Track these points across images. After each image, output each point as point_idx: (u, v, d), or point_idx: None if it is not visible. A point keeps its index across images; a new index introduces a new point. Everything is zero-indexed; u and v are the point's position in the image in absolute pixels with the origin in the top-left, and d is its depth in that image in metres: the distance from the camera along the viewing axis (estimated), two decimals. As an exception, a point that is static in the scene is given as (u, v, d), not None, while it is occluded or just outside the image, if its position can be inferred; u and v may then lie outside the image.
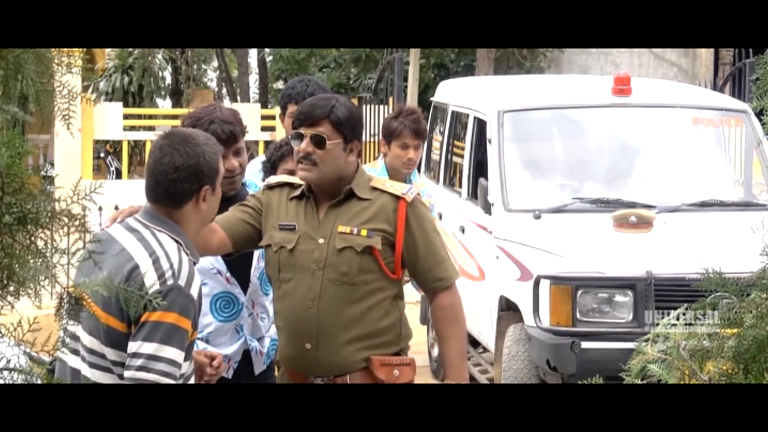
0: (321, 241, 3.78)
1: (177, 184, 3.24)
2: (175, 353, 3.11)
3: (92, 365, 3.20)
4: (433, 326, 3.96)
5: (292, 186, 3.92)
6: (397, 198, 3.82)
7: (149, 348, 3.08)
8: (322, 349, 3.75)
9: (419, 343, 7.80)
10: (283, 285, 3.82)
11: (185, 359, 3.17)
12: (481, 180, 7.10)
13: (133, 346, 3.10)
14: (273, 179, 4.05)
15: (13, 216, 2.32)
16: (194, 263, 3.26)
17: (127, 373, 3.10)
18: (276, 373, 4.14)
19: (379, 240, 3.77)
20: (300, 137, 3.79)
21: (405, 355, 3.88)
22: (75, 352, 3.24)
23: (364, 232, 3.77)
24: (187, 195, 3.26)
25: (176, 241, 3.23)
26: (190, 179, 3.24)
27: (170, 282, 3.12)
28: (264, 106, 17.10)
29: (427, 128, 6.06)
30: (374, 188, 3.85)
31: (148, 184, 3.29)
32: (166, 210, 3.27)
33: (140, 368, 3.08)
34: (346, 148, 3.81)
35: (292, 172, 4.34)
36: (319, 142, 3.76)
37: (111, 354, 3.17)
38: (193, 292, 3.17)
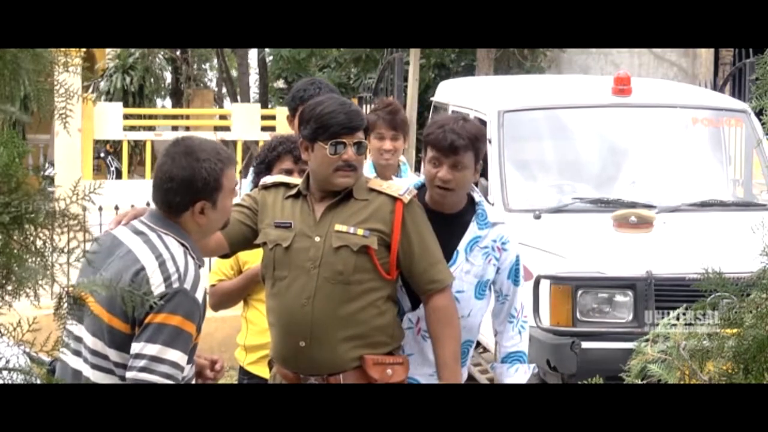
0: (317, 239, 3.79)
1: (171, 194, 3.24)
2: (178, 356, 3.10)
3: (94, 366, 3.19)
4: (427, 328, 3.94)
5: (287, 186, 3.93)
6: (394, 199, 3.84)
7: (152, 349, 3.08)
8: (316, 346, 3.76)
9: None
10: (278, 282, 3.83)
11: (188, 362, 3.17)
12: (481, 180, 7.08)
13: (136, 347, 3.10)
14: (269, 179, 4.05)
15: (10, 215, 2.32)
16: (200, 267, 3.26)
17: (129, 374, 3.09)
18: (268, 373, 4.13)
19: (375, 240, 3.78)
20: (342, 145, 3.79)
21: (397, 355, 3.89)
22: (77, 353, 3.23)
23: (360, 232, 3.78)
24: (181, 206, 3.25)
25: (182, 245, 3.22)
26: (182, 192, 3.23)
27: (176, 285, 3.12)
28: (264, 106, 17.08)
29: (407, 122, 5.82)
30: (371, 189, 3.87)
31: (152, 187, 3.30)
32: (167, 215, 3.27)
33: (143, 369, 3.07)
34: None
35: (289, 172, 4.34)
36: (362, 149, 3.81)
37: (114, 355, 3.16)
38: (199, 295, 3.17)
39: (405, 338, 3.98)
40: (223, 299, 4.63)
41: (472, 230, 4.05)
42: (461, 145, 3.97)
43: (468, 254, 4.02)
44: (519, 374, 4.15)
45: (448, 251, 3.96)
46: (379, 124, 5.44)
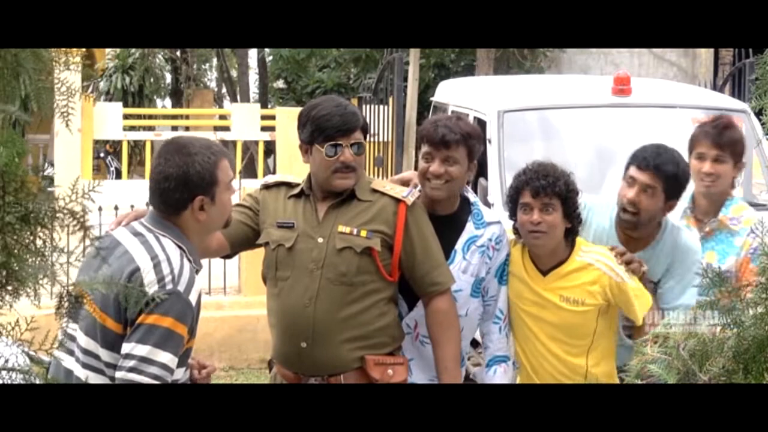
0: (320, 240, 3.79)
1: (169, 193, 3.25)
2: (168, 358, 3.10)
3: (85, 366, 3.20)
4: (427, 330, 3.94)
5: (289, 185, 3.93)
6: (397, 201, 3.84)
7: (142, 350, 3.08)
8: (318, 347, 3.76)
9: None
10: (280, 283, 3.83)
11: (180, 366, 3.17)
12: (481, 180, 7.09)
13: (126, 347, 3.10)
14: (270, 178, 4.05)
15: (15, 215, 2.32)
16: (197, 271, 3.26)
17: (118, 374, 3.09)
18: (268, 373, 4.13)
19: (379, 242, 3.78)
20: (338, 147, 3.78)
21: (398, 355, 3.89)
22: (70, 352, 3.24)
23: (363, 233, 3.78)
24: (180, 204, 3.25)
25: (180, 247, 3.23)
26: (180, 189, 3.24)
27: (169, 286, 3.12)
28: (264, 106, 17.07)
29: None
30: (374, 190, 3.87)
31: (149, 191, 3.31)
32: (167, 216, 3.28)
33: (132, 369, 3.07)
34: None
35: None
36: (359, 150, 3.79)
37: (105, 355, 3.16)
38: (192, 298, 3.17)
39: (404, 343, 3.98)
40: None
41: (469, 230, 4.05)
42: (452, 139, 3.97)
43: (465, 253, 4.02)
44: (498, 376, 4.11)
45: (445, 251, 3.96)
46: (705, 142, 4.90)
